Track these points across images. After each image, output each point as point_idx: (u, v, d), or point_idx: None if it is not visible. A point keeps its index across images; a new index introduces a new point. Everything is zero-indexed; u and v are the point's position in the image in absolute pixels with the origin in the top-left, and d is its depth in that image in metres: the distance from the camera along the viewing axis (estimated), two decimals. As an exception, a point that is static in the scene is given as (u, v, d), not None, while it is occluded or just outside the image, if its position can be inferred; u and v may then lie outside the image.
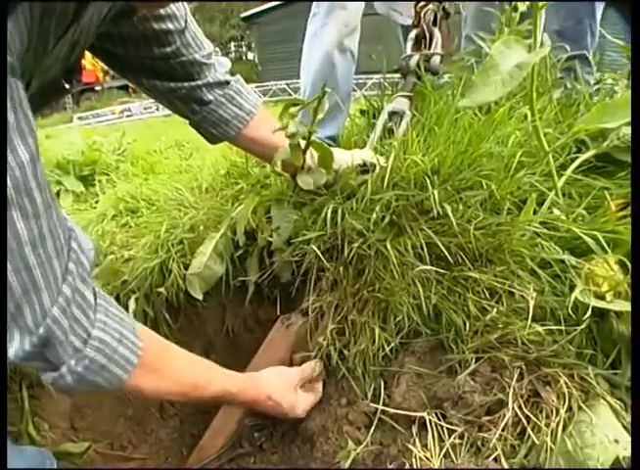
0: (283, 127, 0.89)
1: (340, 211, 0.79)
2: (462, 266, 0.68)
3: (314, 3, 1.37)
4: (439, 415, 0.55)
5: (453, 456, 0.50)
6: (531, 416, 0.49)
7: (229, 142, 1.09)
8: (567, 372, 0.51)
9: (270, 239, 1.00)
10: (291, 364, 0.92)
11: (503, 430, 0.49)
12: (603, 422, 0.46)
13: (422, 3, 1.37)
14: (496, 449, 0.48)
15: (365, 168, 0.98)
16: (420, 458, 0.50)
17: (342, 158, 1.01)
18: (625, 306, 0.53)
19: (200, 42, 0.96)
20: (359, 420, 0.66)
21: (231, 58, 24.61)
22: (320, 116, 0.87)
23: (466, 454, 0.50)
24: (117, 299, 1.13)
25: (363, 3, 1.40)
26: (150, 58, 0.90)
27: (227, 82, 1.02)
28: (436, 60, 1.30)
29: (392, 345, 0.71)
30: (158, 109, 10.53)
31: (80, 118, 11.02)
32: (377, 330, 0.73)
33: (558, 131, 1.11)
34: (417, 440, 0.53)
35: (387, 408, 0.59)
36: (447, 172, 0.78)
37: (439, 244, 0.67)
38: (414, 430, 0.55)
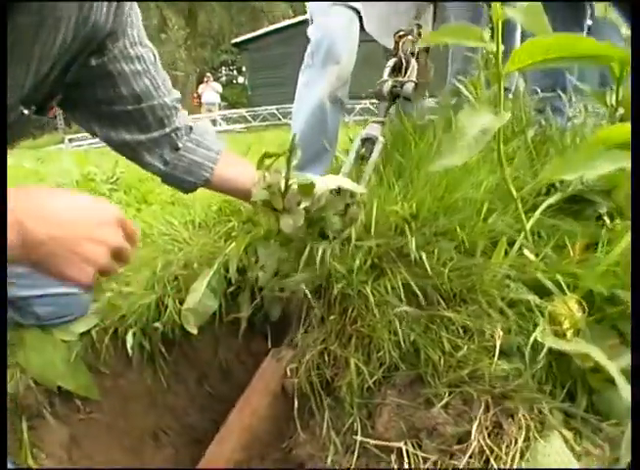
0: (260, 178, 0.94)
1: (328, 253, 0.85)
2: (438, 306, 0.74)
3: (307, 54, 1.43)
4: (416, 444, 0.61)
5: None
6: (494, 446, 0.55)
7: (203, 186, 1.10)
8: (527, 405, 0.57)
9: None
10: (283, 392, 0.98)
11: (470, 457, 0.55)
12: (555, 451, 0.52)
13: (401, 33, 1.44)
14: (464, 476, 0.54)
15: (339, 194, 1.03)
16: (397, 485, 0.56)
17: (318, 184, 1.01)
18: (580, 347, 0.60)
19: (169, 87, 0.98)
20: (346, 448, 0.71)
21: (222, 82, 24.89)
22: (294, 163, 0.91)
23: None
24: (115, 333, 1.18)
25: (355, 56, 1.46)
26: (120, 102, 0.91)
27: (191, 127, 1.04)
28: (409, 86, 1.34)
29: (375, 378, 0.77)
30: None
31: (71, 140, 11.04)
32: (360, 364, 0.79)
33: (532, 171, 1.19)
34: (395, 466, 0.59)
35: (369, 440, 0.65)
36: (425, 217, 0.85)
37: (415, 287, 0.74)
38: (393, 457, 0.60)
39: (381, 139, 1.22)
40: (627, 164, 0.76)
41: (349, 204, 1.02)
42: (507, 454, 0.52)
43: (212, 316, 1.13)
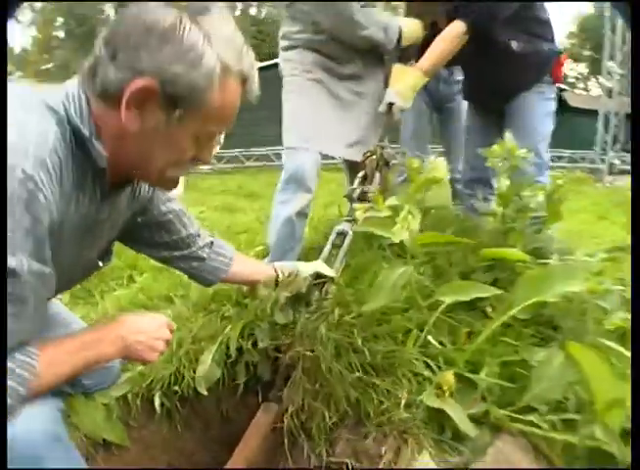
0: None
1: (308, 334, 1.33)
2: (371, 375, 1.22)
3: (283, 180, 1.94)
4: (356, 461, 1.07)
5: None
6: (396, 458, 1.01)
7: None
8: (414, 436, 1.04)
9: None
10: (272, 434, 1.41)
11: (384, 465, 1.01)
12: (425, 459, 0.98)
13: (368, 153, 1.97)
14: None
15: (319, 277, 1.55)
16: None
17: (303, 269, 1.56)
18: (444, 405, 1.07)
19: (192, 221, 1.44)
20: (318, 466, 1.17)
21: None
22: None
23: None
24: (143, 396, 1.60)
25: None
26: (159, 236, 1.37)
27: (212, 242, 1.51)
28: (373, 195, 1.82)
29: (334, 421, 1.23)
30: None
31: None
32: (325, 412, 1.25)
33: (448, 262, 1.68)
34: None
35: (331, 459, 1.11)
36: (368, 315, 1.33)
37: (358, 364, 1.21)
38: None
39: (350, 233, 1.73)
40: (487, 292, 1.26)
41: (325, 282, 1.54)
42: (402, 462, 0.99)
43: (217, 380, 1.57)
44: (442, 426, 1.09)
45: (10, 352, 0.82)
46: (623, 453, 0.88)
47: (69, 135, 0.89)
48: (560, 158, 15.68)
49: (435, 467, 0.97)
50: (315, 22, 2.03)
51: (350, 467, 1.07)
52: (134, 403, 1.58)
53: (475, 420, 1.09)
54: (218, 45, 0.88)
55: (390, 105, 2.07)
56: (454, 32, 2.16)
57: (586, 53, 33.71)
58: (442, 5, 2.32)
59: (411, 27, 2.20)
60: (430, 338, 1.30)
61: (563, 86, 21.93)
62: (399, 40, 2.16)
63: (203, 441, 1.71)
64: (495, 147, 1.67)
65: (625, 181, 12.73)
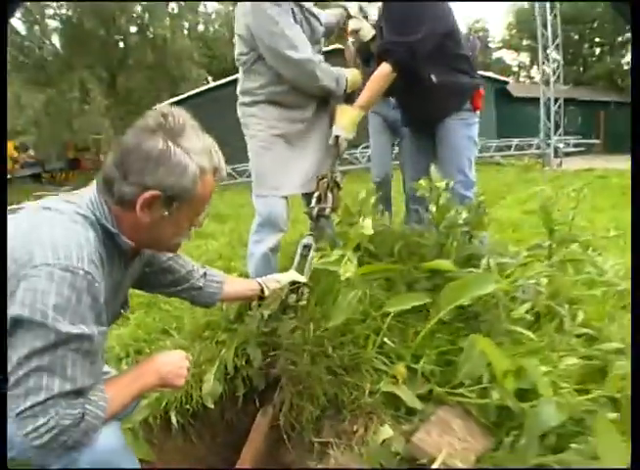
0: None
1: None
2: (343, 375, 1.59)
3: (258, 223, 2.32)
4: (338, 439, 1.43)
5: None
6: (366, 434, 1.38)
7: None
8: (377, 415, 1.41)
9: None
10: (270, 432, 1.76)
11: (357, 438, 1.38)
12: (385, 428, 1.36)
13: (320, 177, 2.36)
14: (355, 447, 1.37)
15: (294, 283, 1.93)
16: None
17: (282, 278, 1.93)
18: (397, 389, 1.45)
19: (187, 260, 1.75)
20: (310, 449, 1.53)
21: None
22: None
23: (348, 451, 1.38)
24: (161, 417, 1.93)
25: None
26: (164, 278, 1.68)
27: (205, 273, 1.84)
28: (327, 211, 2.29)
29: (318, 413, 1.60)
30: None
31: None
32: (310, 407, 1.61)
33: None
34: (331, 451, 1.42)
35: (319, 440, 1.47)
36: (334, 328, 1.70)
37: (332, 366, 1.58)
38: (329, 445, 1.43)
39: (314, 245, 2.12)
40: (420, 301, 1.64)
41: (300, 286, 1.92)
42: (369, 434, 1.36)
43: (220, 395, 1.91)
44: (398, 405, 1.47)
45: (88, 389, 1.16)
46: (516, 406, 1.27)
47: (100, 232, 1.24)
48: (509, 147, 16.39)
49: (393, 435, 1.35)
50: (279, 75, 2.41)
51: (334, 443, 1.44)
52: (154, 424, 1.91)
53: (422, 398, 1.47)
54: (195, 156, 1.23)
55: (337, 137, 2.49)
56: (383, 73, 2.56)
57: (525, 42, 34.93)
58: (375, 48, 2.73)
59: (354, 76, 2.60)
60: (385, 339, 1.68)
61: (506, 79, 22.99)
62: (346, 87, 2.57)
63: (213, 446, 2.05)
64: (421, 181, 2.07)
65: (569, 164, 13.42)
